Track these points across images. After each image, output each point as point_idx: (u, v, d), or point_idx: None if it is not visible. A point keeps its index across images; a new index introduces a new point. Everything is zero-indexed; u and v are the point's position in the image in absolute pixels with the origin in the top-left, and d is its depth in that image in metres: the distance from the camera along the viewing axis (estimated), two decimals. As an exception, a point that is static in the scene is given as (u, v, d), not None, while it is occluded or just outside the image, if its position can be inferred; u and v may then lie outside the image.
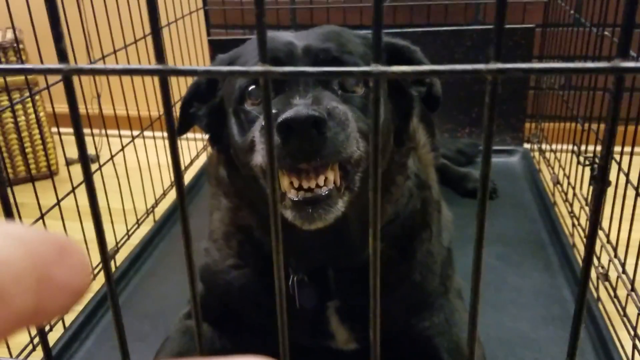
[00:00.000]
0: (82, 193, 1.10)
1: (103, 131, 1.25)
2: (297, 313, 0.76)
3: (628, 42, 0.26)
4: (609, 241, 1.03)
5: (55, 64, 0.29)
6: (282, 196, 0.61)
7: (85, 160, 0.31)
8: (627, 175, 0.95)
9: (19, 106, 1.52)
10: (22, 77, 1.46)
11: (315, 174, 0.59)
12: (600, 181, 0.29)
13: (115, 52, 1.20)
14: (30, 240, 0.19)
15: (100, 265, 1.16)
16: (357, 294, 0.73)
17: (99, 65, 0.31)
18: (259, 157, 0.61)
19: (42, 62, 0.99)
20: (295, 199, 0.59)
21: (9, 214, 0.37)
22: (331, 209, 0.60)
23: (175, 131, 0.32)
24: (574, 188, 1.21)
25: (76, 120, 0.30)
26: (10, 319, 0.18)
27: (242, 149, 0.65)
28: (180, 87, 0.83)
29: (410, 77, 0.73)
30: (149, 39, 1.28)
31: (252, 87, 0.66)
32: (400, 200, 0.77)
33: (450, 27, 1.56)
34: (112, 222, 1.17)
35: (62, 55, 0.29)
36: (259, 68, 0.28)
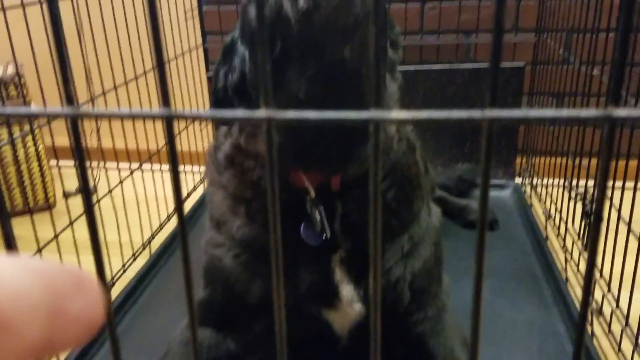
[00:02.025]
0: (79, 226, 1.11)
1: (101, 163, 1.26)
2: (303, 268, 0.77)
3: (619, 89, 0.27)
4: (602, 275, 1.04)
5: (58, 107, 0.29)
6: None
7: (89, 206, 0.33)
8: (619, 211, 0.97)
9: (18, 139, 1.54)
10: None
11: None
12: (593, 231, 0.30)
13: (115, 88, 1.22)
14: (46, 273, 0.19)
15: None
16: (361, 240, 0.76)
17: (105, 109, 0.32)
18: None
19: (43, 96, 1.01)
20: None
21: (10, 247, 0.38)
22: None
23: (177, 167, 0.32)
24: (566, 223, 1.23)
25: (82, 163, 0.31)
26: (21, 350, 0.18)
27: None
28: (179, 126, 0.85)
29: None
30: (150, 74, 1.31)
31: None
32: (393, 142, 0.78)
33: (443, 66, 1.60)
34: (108, 255, 1.17)
35: (69, 99, 0.29)
36: (262, 114, 0.29)
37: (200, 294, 0.89)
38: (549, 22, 1.47)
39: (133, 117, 0.31)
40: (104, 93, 1.18)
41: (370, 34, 0.26)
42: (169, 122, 0.30)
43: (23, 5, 0.91)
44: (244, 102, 0.75)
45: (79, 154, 0.31)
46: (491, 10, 1.72)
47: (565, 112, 0.29)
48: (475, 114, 0.28)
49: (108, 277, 1.20)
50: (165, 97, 0.29)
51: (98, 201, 1.15)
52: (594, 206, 1.17)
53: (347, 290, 0.80)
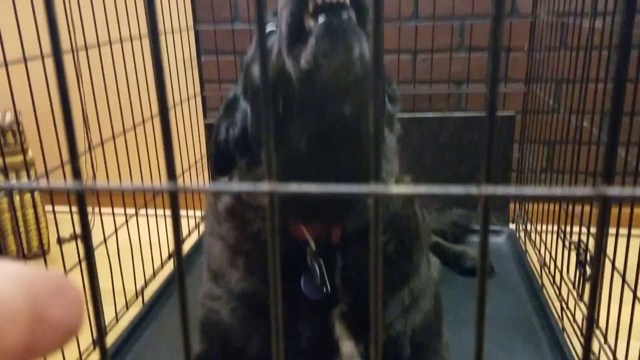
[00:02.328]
0: (73, 273, 1.10)
1: (96, 209, 1.26)
2: (303, 323, 0.76)
3: (612, 167, 0.28)
4: (598, 326, 1.04)
5: (62, 182, 0.29)
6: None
7: (91, 270, 0.33)
8: (612, 262, 0.97)
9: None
10: (21, 158, 1.49)
11: None
12: (591, 299, 0.31)
13: (114, 137, 1.23)
14: (26, 278, 0.19)
15: (90, 350, 1.13)
16: (361, 294, 0.75)
17: (112, 184, 0.32)
18: None
19: (42, 147, 1.02)
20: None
21: None
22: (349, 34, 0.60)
23: (180, 239, 0.33)
24: (560, 272, 1.23)
25: (87, 236, 0.31)
26: (1, 356, 0.18)
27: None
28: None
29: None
30: (148, 123, 1.33)
31: None
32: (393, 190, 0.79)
33: (435, 114, 1.64)
34: (101, 304, 1.16)
35: (76, 174, 0.30)
36: (265, 187, 0.30)
37: (196, 348, 0.88)
38: (538, 72, 1.51)
39: (142, 190, 0.32)
40: (102, 143, 1.19)
41: (370, 111, 0.27)
42: (174, 196, 0.31)
43: (25, 60, 0.93)
44: (245, 156, 0.76)
45: (85, 229, 0.31)
46: (481, 62, 1.76)
47: (559, 191, 0.30)
48: (472, 190, 0.29)
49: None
50: (171, 171, 0.30)
51: (92, 249, 1.15)
52: (588, 256, 1.18)
53: (347, 346, 0.79)
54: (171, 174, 0.30)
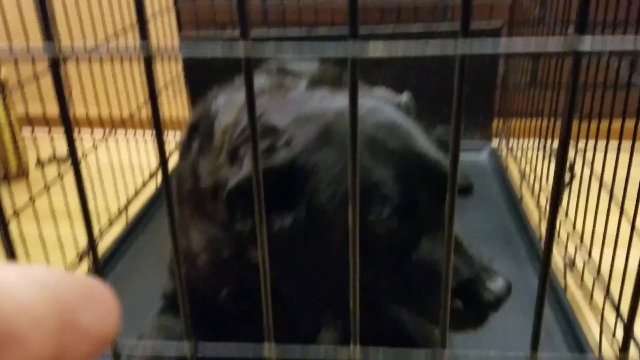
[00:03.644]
0: (55, 194, 1.09)
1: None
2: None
3: (585, 17, 0.26)
4: (574, 229, 1.06)
5: (37, 47, 0.28)
6: None
7: (72, 148, 0.32)
8: (590, 168, 0.99)
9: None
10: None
11: None
12: (561, 160, 0.31)
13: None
14: (54, 283, 0.18)
15: (80, 257, 1.13)
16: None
17: (88, 47, 0.30)
18: None
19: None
20: None
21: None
22: None
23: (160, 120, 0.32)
24: (540, 181, 1.25)
25: (64, 108, 0.30)
26: None
27: None
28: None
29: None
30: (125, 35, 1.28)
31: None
32: None
33: (420, 27, 1.60)
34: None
35: (49, 36, 0.28)
36: (241, 52, 0.28)
37: (167, 285, 0.90)
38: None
39: (114, 56, 0.30)
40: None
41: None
42: (148, 63, 0.29)
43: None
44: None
45: (61, 99, 0.30)
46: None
47: (532, 46, 0.29)
48: (449, 48, 0.28)
49: (84, 244, 1.19)
50: (143, 32, 0.28)
51: (77, 166, 1.13)
52: (566, 158, 1.19)
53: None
54: (143, 35, 0.28)
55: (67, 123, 0.29)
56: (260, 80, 0.90)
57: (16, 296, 0.17)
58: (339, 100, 0.68)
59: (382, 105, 0.68)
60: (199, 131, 0.81)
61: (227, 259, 0.73)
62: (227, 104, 0.78)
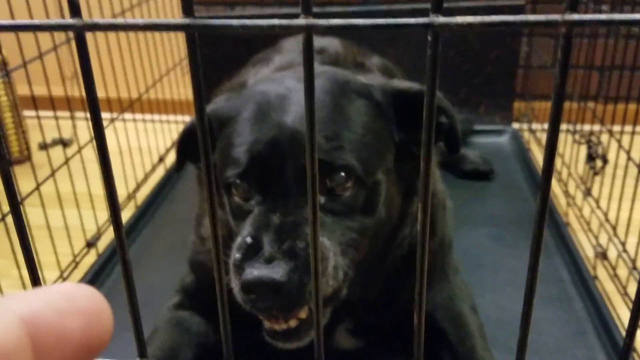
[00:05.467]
0: (60, 178, 1.04)
1: (81, 114, 1.18)
2: None
3: None
4: (607, 220, 1.01)
5: (65, 20, 0.26)
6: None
7: (100, 127, 0.28)
8: (628, 154, 0.93)
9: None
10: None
11: (284, 318, 0.63)
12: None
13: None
14: (31, 316, 0.18)
15: (84, 252, 1.08)
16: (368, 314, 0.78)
17: (118, 19, 0.28)
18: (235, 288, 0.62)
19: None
20: (268, 327, 0.65)
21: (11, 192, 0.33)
22: (303, 338, 0.65)
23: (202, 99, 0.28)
24: (568, 167, 1.20)
25: (89, 80, 0.27)
26: None
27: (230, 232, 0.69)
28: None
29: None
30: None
31: (239, 180, 0.66)
32: (404, 231, 0.77)
33: (413, 6, 1.53)
34: (93, 209, 1.12)
35: (74, 10, 0.26)
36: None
37: (187, 279, 0.88)
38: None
39: (150, 28, 0.27)
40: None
41: None
42: (191, 38, 0.26)
43: None
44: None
45: (86, 71, 0.27)
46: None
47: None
48: (555, 17, 0.25)
49: (93, 230, 1.14)
50: (188, 4, 0.25)
51: (79, 150, 1.09)
52: (599, 149, 1.14)
53: (346, 343, 0.83)
54: (188, 9, 0.26)
55: (94, 102, 0.27)
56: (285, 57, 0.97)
57: None
58: (282, 81, 0.72)
59: (293, 82, 0.69)
60: None
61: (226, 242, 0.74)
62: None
